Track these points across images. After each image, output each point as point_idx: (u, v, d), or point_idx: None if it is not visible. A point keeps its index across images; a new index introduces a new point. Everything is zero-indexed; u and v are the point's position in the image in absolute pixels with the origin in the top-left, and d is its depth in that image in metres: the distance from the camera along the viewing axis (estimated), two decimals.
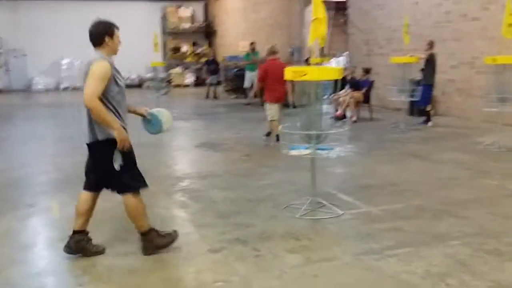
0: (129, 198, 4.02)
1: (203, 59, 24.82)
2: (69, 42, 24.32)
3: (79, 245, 4.06)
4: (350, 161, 7.65)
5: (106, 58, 3.96)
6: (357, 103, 12.07)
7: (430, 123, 10.88)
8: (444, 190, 5.94)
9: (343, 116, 12.12)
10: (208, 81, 18.59)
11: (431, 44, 10.62)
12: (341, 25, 21.14)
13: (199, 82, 22.73)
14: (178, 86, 24.52)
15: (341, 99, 12.20)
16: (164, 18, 26.39)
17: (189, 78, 24.96)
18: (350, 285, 3.53)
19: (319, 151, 5.16)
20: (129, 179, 4.01)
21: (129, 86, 25.06)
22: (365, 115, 12.16)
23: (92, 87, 3.79)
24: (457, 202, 5.46)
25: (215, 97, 17.96)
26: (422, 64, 10.81)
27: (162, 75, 14.01)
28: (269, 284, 3.58)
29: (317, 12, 4.98)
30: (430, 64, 10.61)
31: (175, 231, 4.29)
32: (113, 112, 3.95)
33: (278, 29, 20.47)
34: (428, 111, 11.03)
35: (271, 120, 8.56)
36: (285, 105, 8.18)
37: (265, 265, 3.93)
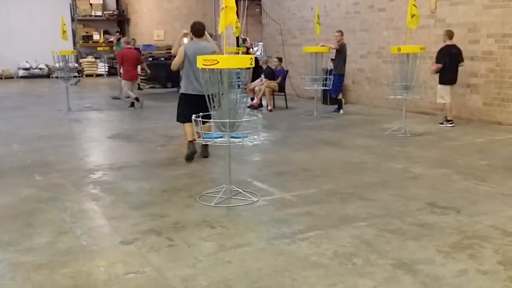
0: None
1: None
2: None
3: None
4: (266, 149, 7.77)
5: None
6: (273, 92, 12.25)
7: (341, 111, 11.27)
8: (353, 175, 6.19)
9: (259, 105, 12.28)
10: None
11: (342, 34, 10.98)
12: (256, 15, 21.31)
13: (112, 72, 22.05)
14: (90, 76, 23.71)
15: (256, 88, 12.34)
16: (73, 5, 25.32)
17: (102, 68, 24.19)
18: (263, 270, 3.60)
19: (232, 139, 5.19)
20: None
21: (37, 76, 24.08)
22: (280, 104, 12.38)
23: None
24: (365, 185, 5.71)
25: (139, 88, 17.42)
26: (333, 54, 11.16)
27: (72, 64, 13.43)
28: (182, 273, 3.57)
29: (226, 1, 4.98)
30: (340, 54, 10.97)
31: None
32: None
33: (193, 18, 20.19)
34: (340, 99, 11.42)
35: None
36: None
37: (179, 254, 3.91)
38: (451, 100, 9.32)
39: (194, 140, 6.70)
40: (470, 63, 9.80)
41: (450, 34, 9.23)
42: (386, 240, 4.11)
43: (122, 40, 14.39)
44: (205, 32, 6.93)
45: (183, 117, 6.78)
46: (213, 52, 6.52)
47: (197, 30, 6.73)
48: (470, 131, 8.96)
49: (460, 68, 9.30)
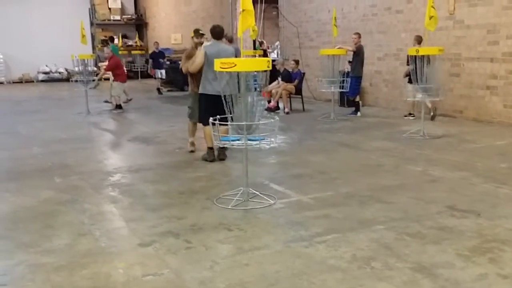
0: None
1: (135, 52, 24.35)
2: None
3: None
4: (283, 152, 7.76)
5: None
6: (290, 95, 12.24)
7: (359, 114, 11.21)
8: (371, 177, 6.15)
9: (276, 108, 12.27)
10: (158, 76, 17.75)
11: (359, 37, 10.93)
12: (273, 18, 21.32)
13: (130, 76, 22.20)
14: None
15: (273, 90, 12.34)
16: (92, 9, 25.63)
17: None
18: (280, 272, 3.59)
19: (249, 142, 5.19)
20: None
21: (56, 80, 24.39)
22: (297, 107, 12.36)
23: None
24: (383, 188, 5.66)
25: (160, 93, 17.25)
26: (350, 56, 11.11)
27: (91, 68, 13.59)
28: (200, 275, 3.58)
29: (245, 4, 4.99)
30: (358, 56, 10.92)
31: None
32: None
33: (211, 21, 20.29)
34: (357, 101, 11.36)
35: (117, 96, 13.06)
36: None
37: (196, 256, 3.92)
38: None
39: (213, 147, 6.99)
40: (489, 65, 9.69)
41: (419, 40, 9.96)
42: (405, 243, 4.07)
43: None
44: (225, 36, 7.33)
45: (208, 119, 6.06)
46: (235, 55, 6.97)
47: (218, 33, 6.86)
48: (489, 134, 8.84)
49: None
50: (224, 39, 7.31)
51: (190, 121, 7.70)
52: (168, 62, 18.47)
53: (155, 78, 17.76)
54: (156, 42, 19.29)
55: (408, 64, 10.00)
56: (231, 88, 5.19)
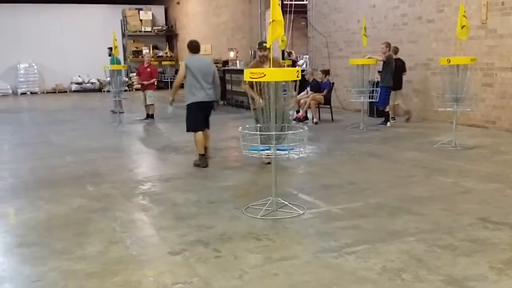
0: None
1: (166, 63, 24.68)
2: (26, 47, 23.87)
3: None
4: (311, 162, 7.74)
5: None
6: (318, 105, 12.22)
7: (389, 124, 11.11)
8: (401, 188, 6.08)
9: (305, 118, 12.26)
10: None
11: (388, 46, 10.87)
12: (302, 28, 21.36)
13: (160, 86, 22.49)
14: (139, 90, 24.26)
15: (302, 100, 12.34)
16: (124, 21, 26.12)
17: None
18: (309, 283, 3.58)
19: (278, 151, 5.20)
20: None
21: (89, 90, 24.84)
22: (326, 117, 12.32)
23: None
24: (413, 199, 5.59)
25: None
26: (380, 66, 11.05)
27: (123, 78, 13.85)
28: (229, 284, 3.59)
29: (274, 14, 5.02)
30: (387, 66, 10.85)
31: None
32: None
33: (240, 32, 20.52)
34: (387, 112, 11.26)
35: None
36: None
37: (225, 265, 3.94)
38: (398, 102, 11.56)
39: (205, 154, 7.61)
40: None
41: (395, 50, 11.25)
42: (437, 255, 4.00)
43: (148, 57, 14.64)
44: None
45: (196, 124, 7.50)
46: (214, 68, 7.58)
47: (194, 47, 7.55)
48: None
49: (404, 77, 11.52)
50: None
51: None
52: None
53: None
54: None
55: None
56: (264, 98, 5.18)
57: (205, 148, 7.63)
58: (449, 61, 8.28)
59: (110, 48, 14.62)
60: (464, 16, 8.29)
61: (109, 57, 14.95)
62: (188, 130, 7.60)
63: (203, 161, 7.49)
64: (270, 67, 5.94)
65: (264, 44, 7.04)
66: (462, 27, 8.28)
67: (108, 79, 12.74)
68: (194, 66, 7.28)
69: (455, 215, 5.00)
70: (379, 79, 11.26)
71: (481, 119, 10.41)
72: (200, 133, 7.48)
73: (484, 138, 9.26)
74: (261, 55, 7.19)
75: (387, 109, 11.25)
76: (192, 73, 7.27)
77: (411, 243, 4.28)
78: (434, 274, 3.66)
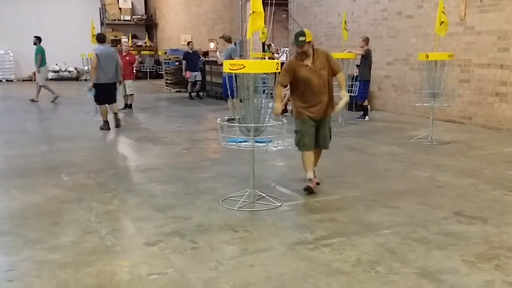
0: None
1: (145, 52, 24.44)
2: (2, 34, 23.39)
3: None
4: (290, 154, 7.74)
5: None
6: None
7: (367, 118, 11.19)
8: (378, 182, 6.14)
9: (284, 111, 12.25)
10: (190, 78, 15.95)
11: (366, 41, 10.92)
12: (282, 20, 21.34)
13: (139, 76, 22.30)
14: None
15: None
16: (103, 9, 25.77)
17: None
18: (285, 275, 3.59)
19: (257, 144, 5.20)
20: None
21: (66, 78, 24.46)
22: None
23: None
24: (390, 193, 5.65)
25: (200, 97, 16.07)
26: (358, 60, 11.10)
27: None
28: (204, 275, 3.59)
29: (255, 6, 4.99)
30: (366, 59, 10.91)
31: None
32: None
33: (220, 23, 20.41)
34: (365, 106, 11.34)
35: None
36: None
37: (201, 257, 3.93)
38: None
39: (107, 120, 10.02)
40: (499, 72, 9.65)
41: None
42: (411, 248, 4.05)
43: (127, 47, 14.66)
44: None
45: (101, 100, 9.95)
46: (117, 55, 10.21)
47: (101, 38, 10.08)
48: (498, 140, 8.80)
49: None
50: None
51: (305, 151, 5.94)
52: (176, 63, 18.46)
53: (188, 81, 16.17)
54: (191, 41, 17.02)
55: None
56: (241, 90, 5.18)
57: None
58: (427, 57, 8.36)
59: (37, 37, 14.88)
60: (443, 12, 8.36)
61: (35, 46, 15.34)
62: (98, 103, 10.13)
63: (106, 125, 9.97)
64: (313, 64, 5.39)
65: (301, 38, 5.35)
66: (441, 23, 8.36)
67: (86, 67, 12.54)
68: (103, 54, 9.70)
69: (430, 209, 5.07)
70: (357, 73, 11.32)
71: (458, 115, 10.55)
72: (103, 106, 9.99)
73: (460, 134, 9.40)
74: (299, 52, 5.45)
75: (365, 103, 11.32)
76: (100, 60, 9.70)
77: (386, 236, 4.32)
78: (408, 267, 3.70)
